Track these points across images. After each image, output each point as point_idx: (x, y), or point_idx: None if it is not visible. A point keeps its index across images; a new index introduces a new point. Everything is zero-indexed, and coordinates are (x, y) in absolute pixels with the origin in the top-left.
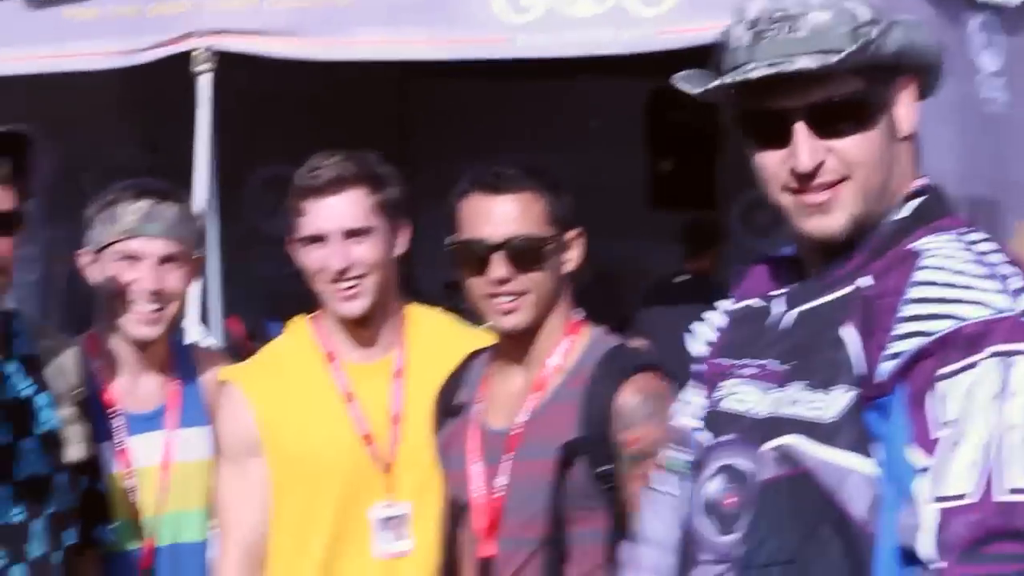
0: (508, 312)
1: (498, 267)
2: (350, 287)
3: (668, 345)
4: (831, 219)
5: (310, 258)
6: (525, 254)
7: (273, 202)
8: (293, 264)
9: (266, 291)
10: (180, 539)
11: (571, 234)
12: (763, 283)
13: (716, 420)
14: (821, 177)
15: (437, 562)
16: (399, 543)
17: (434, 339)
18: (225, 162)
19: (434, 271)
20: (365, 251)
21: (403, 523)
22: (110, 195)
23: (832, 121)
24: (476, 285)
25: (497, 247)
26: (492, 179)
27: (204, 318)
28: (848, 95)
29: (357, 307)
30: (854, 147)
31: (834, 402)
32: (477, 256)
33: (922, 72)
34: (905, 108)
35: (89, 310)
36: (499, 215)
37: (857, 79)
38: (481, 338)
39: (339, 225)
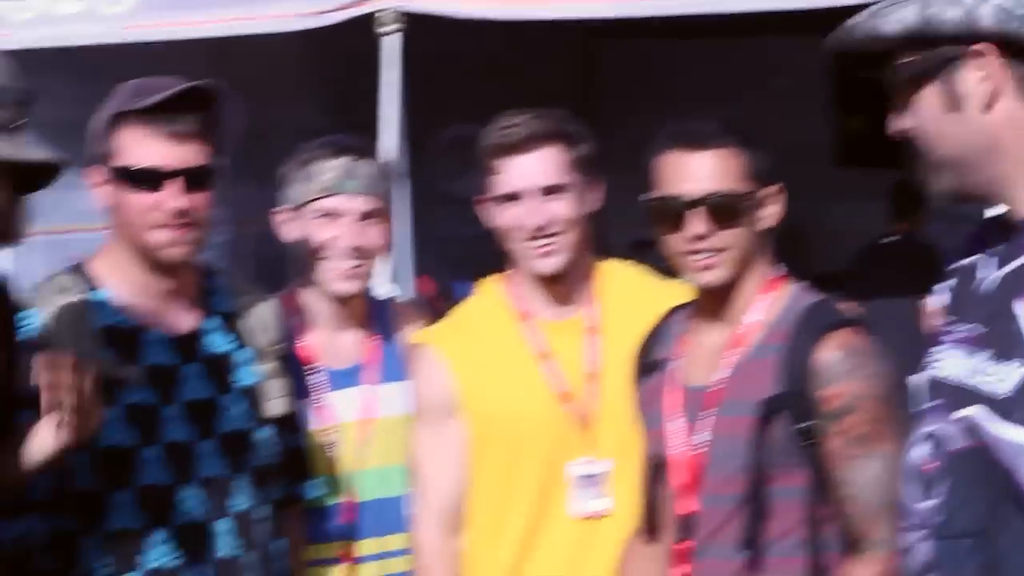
0: (706, 268)
1: (696, 223)
2: (546, 244)
3: (882, 305)
4: None
5: (505, 216)
6: (723, 210)
7: (458, 163)
8: (477, 225)
9: (450, 252)
10: (381, 494)
11: (770, 190)
12: (977, 244)
13: (930, 384)
14: None
15: (636, 520)
16: (597, 502)
17: (628, 294)
18: (409, 123)
19: (621, 231)
20: (561, 208)
21: (602, 481)
22: (306, 153)
23: None
24: (673, 242)
25: (695, 203)
26: (690, 134)
27: (394, 278)
28: None
29: (552, 264)
30: None
31: (1009, 376)
32: (675, 212)
33: None
34: None
35: (278, 272)
36: (698, 171)
37: None
38: (676, 291)
39: (535, 182)
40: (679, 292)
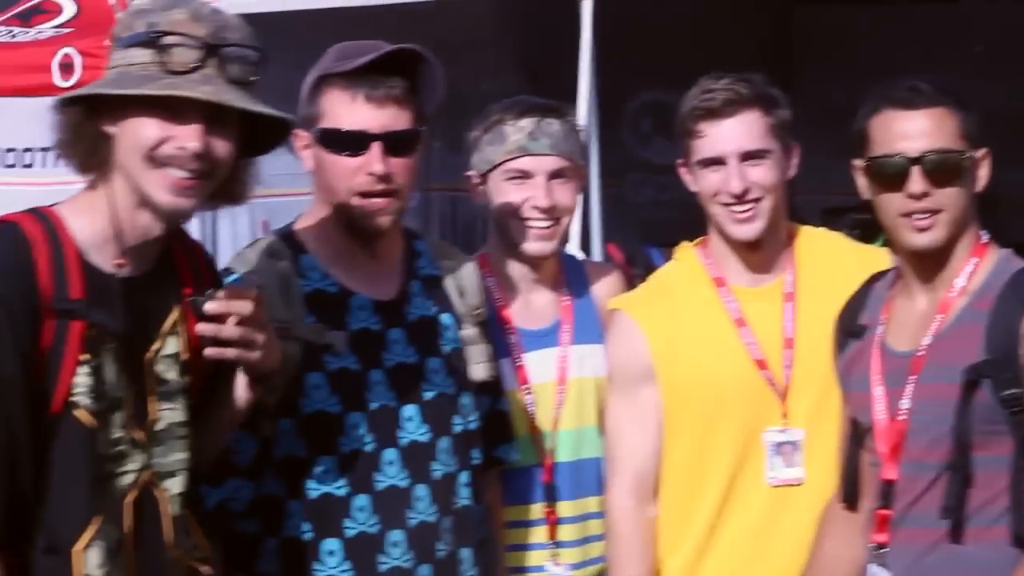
0: (923, 230)
1: (916, 182)
2: (746, 210)
3: None
4: None
5: (706, 181)
6: (942, 169)
7: (649, 129)
8: (667, 191)
9: (639, 218)
10: (578, 455)
11: (980, 152)
12: None
13: None
14: None
15: (835, 486)
16: (791, 470)
17: (826, 260)
18: (603, 88)
19: (811, 198)
20: (762, 173)
21: (796, 449)
22: (494, 115)
23: None
24: (890, 202)
25: (914, 161)
26: (907, 95)
27: (584, 245)
28: None
29: (752, 230)
30: None
31: None
32: (893, 172)
33: None
34: None
35: (469, 236)
36: (916, 130)
37: None
38: (874, 257)
39: (737, 147)
40: (877, 258)
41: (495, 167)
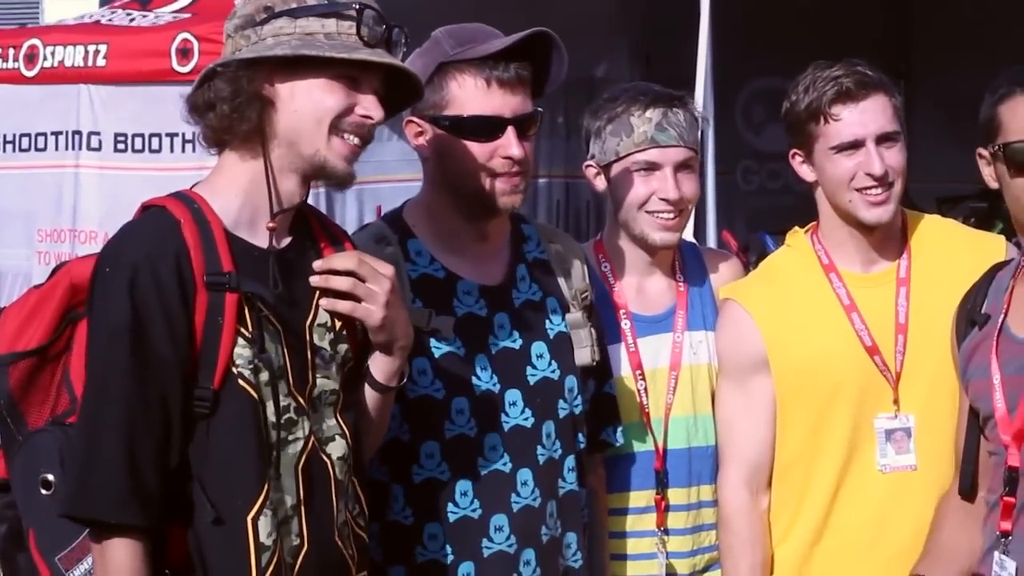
0: None
1: None
2: (881, 193)
3: None
4: None
5: (839, 167)
6: None
7: (761, 116)
8: (775, 179)
9: (747, 206)
10: (691, 443)
11: None
12: None
13: None
14: None
15: (953, 477)
16: (903, 457)
17: (940, 246)
18: (716, 75)
19: (925, 186)
20: (895, 156)
21: (908, 436)
22: (618, 105)
23: None
24: (1013, 188)
25: None
26: None
27: (698, 232)
28: None
29: (884, 213)
30: None
31: None
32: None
33: None
34: None
35: (578, 222)
36: None
37: None
38: (990, 243)
39: (875, 129)
40: (992, 245)
41: (620, 158)
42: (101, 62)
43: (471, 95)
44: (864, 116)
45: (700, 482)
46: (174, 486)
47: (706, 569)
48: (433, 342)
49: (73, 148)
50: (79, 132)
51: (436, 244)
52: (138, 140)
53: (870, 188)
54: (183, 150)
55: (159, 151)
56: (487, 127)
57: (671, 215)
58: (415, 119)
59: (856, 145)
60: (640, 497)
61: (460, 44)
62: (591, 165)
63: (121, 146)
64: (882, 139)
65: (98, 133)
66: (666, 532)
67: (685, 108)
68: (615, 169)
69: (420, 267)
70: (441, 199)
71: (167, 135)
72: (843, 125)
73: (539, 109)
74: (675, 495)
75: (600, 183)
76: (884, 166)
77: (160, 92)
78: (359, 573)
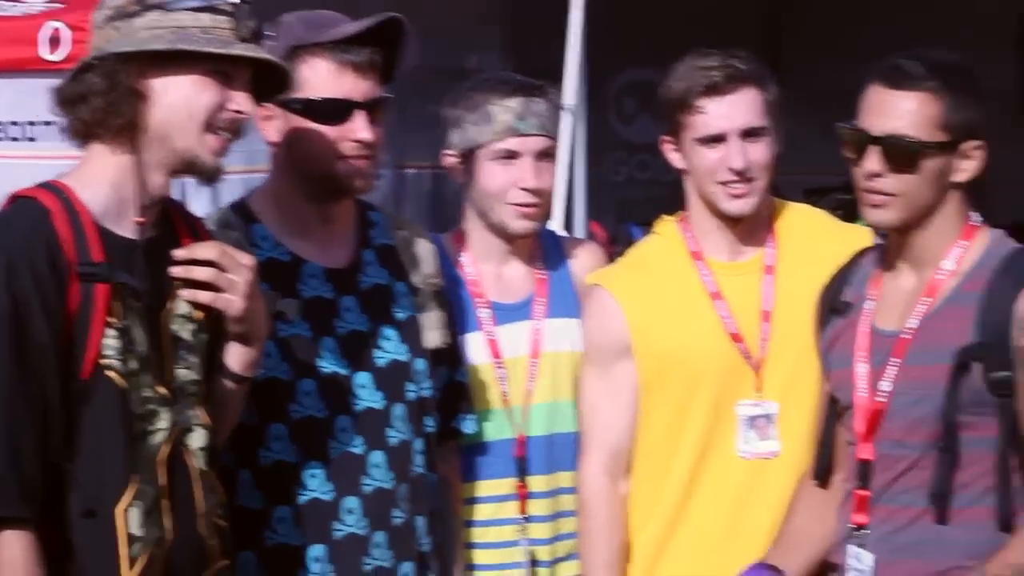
0: (875, 207)
1: (871, 161)
2: (742, 187)
3: None
4: None
5: (703, 158)
6: (900, 155)
7: (633, 108)
8: (644, 170)
9: (616, 197)
10: (552, 430)
11: (968, 145)
12: None
13: None
14: None
15: (810, 463)
16: (765, 443)
17: (807, 236)
18: (588, 66)
19: (793, 177)
20: (760, 151)
21: (770, 423)
22: (478, 94)
23: None
24: (855, 173)
25: (874, 141)
26: (894, 72)
27: (567, 223)
28: None
29: (745, 206)
30: None
31: None
32: (856, 146)
33: None
34: None
35: (449, 211)
36: (887, 110)
37: None
38: (856, 234)
39: (740, 124)
40: (858, 235)
41: (480, 147)
42: None
43: (322, 78)
44: (730, 110)
45: (560, 469)
46: (55, 477)
47: (567, 556)
48: (279, 325)
49: None
50: None
51: (281, 228)
52: (14, 129)
53: (732, 182)
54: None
55: (34, 140)
56: (337, 110)
57: (531, 204)
58: (264, 103)
59: (720, 138)
60: (501, 485)
61: (311, 28)
62: (450, 154)
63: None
64: (747, 134)
65: None
66: (527, 519)
67: (545, 97)
68: (475, 158)
69: (265, 251)
70: (288, 183)
71: (44, 123)
72: (709, 118)
73: (389, 95)
74: (536, 482)
75: (459, 172)
76: (746, 161)
77: (36, 80)
78: (222, 561)
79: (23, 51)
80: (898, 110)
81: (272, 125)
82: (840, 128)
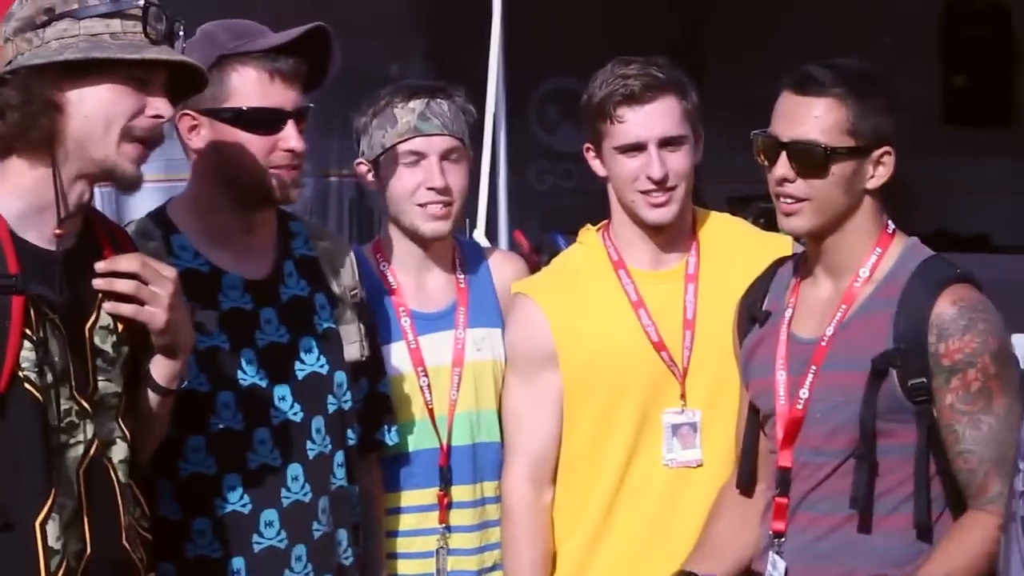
0: (788, 214)
1: (781, 167)
2: (661, 196)
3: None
4: None
5: (623, 167)
6: (808, 160)
7: (555, 116)
8: (569, 179)
9: (541, 206)
10: (476, 439)
11: (878, 152)
12: None
13: None
14: None
15: (732, 471)
16: (689, 452)
17: (729, 244)
18: (509, 75)
19: (716, 186)
20: (679, 160)
21: (694, 431)
22: (381, 100)
23: None
24: (769, 180)
25: (783, 146)
26: (803, 78)
27: (489, 232)
28: None
29: (665, 215)
30: None
31: None
32: (768, 152)
33: None
34: None
35: (369, 221)
36: (795, 116)
37: None
38: (777, 243)
39: (657, 133)
40: (780, 244)
41: (386, 151)
42: None
43: (253, 88)
44: (647, 119)
45: (485, 478)
46: None
47: (495, 566)
48: (198, 336)
49: None
50: None
51: (201, 239)
52: None
53: (651, 191)
54: None
55: None
56: (269, 120)
57: (439, 205)
58: (190, 112)
59: (638, 147)
60: (425, 495)
61: (237, 38)
62: (361, 162)
63: None
64: (665, 143)
65: None
66: (448, 529)
67: (449, 98)
68: (382, 163)
69: (184, 262)
70: (210, 192)
71: None
72: (627, 126)
73: (311, 104)
74: (460, 492)
75: (371, 180)
76: (665, 169)
77: None
78: (148, 574)
79: None
80: (806, 116)
81: (197, 134)
82: (753, 135)
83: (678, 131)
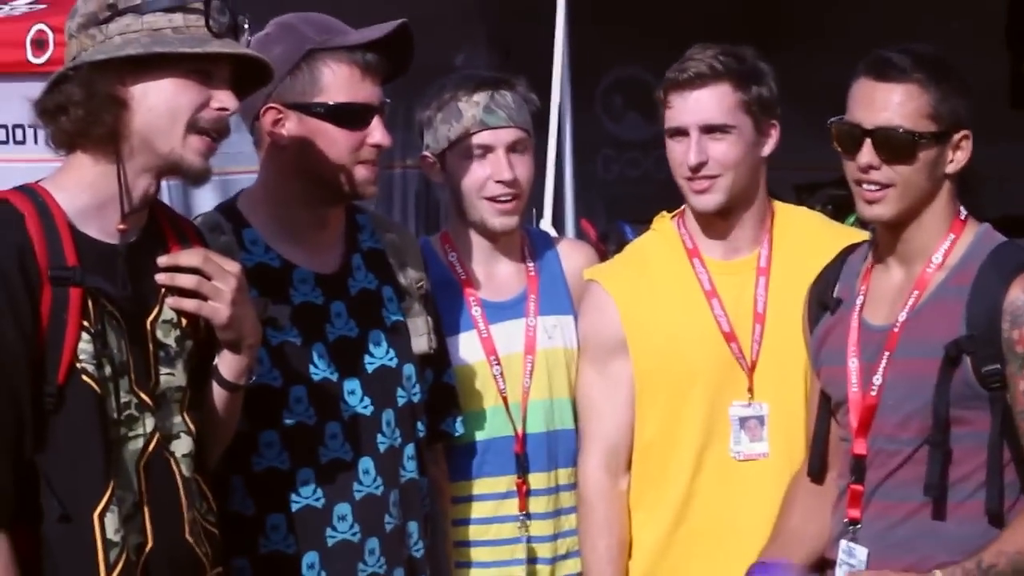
0: (871, 202)
1: (865, 154)
2: (703, 183)
3: None
4: None
5: (672, 152)
6: (894, 146)
7: (621, 105)
8: (635, 167)
9: (607, 195)
10: (550, 427)
11: (957, 136)
12: None
13: None
14: None
15: (803, 462)
16: (756, 445)
17: (801, 237)
18: (575, 64)
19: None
20: (723, 149)
21: (761, 424)
22: (445, 93)
23: None
24: (849, 168)
25: (867, 133)
26: (881, 64)
27: (556, 221)
28: None
29: (708, 202)
30: None
31: None
32: (849, 140)
33: None
34: None
35: (436, 213)
36: (877, 102)
37: None
38: (850, 236)
39: (697, 119)
40: (851, 238)
41: (452, 144)
42: None
43: (344, 83)
44: (692, 105)
45: (559, 466)
46: (20, 483)
47: (568, 554)
48: (270, 331)
49: None
50: None
51: (272, 233)
52: (0, 131)
53: (692, 178)
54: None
55: (23, 142)
56: (359, 115)
57: (507, 198)
58: (276, 105)
59: (681, 132)
60: (501, 482)
61: (321, 32)
62: (426, 156)
63: None
64: (708, 129)
65: None
66: (528, 516)
67: (513, 90)
68: (449, 157)
69: (255, 256)
70: (285, 187)
71: (29, 126)
72: (673, 112)
73: (387, 99)
74: (536, 479)
75: (437, 173)
76: (702, 157)
77: (19, 84)
78: (214, 570)
79: (11, 54)
80: (888, 102)
81: (282, 127)
82: (832, 124)
83: (723, 120)
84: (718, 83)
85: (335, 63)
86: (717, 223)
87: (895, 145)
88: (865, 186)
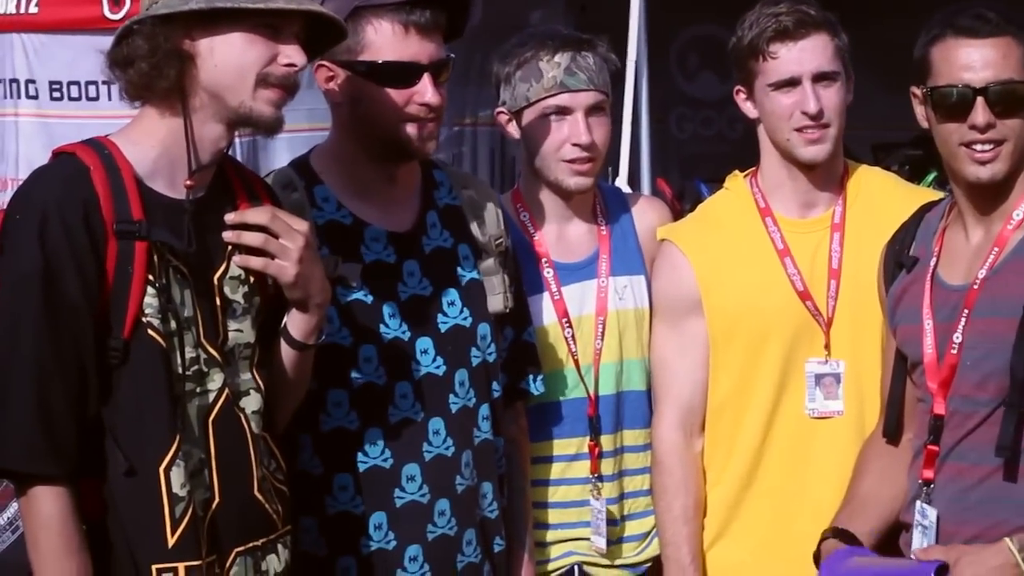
0: (985, 162)
1: (980, 113)
2: (817, 131)
3: None
4: None
5: (777, 103)
6: (1007, 101)
7: (696, 64)
8: (709, 126)
9: (681, 153)
10: (622, 388)
11: None
12: None
13: None
14: None
15: (878, 422)
16: (831, 402)
17: (876, 196)
18: (650, 22)
19: (859, 132)
20: (833, 96)
21: (837, 381)
22: (527, 50)
23: None
24: (952, 132)
25: (979, 92)
26: (972, 22)
27: (631, 180)
28: None
29: (820, 152)
30: None
31: None
32: (956, 102)
33: None
34: None
35: (512, 170)
36: (980, 60)
37: None
38: (925, 195)
39: (812, 68)
40: (926, 196)
41: (531, 104)
42: (33, 9)
43: (388, 41)
44: (801, 54)
45: (623, 427)
46: (86, 437)
47: (631, 515)
48: (340, 289)
49: (11, 97)
50: (16, 80)
51: (344, 190)
52: (74, 88)
53: (807, 127)
54: (121, 97)
55: (97, 99)
56: (404, 73)
57: (584, 160)
58: (326, 63)
59: (792, 83)
60: (570, 444)
61: None
62: (502, 112)
63: (56, 94)
64: (819, 78)
65: (34, 81)
66: (600, 479)
67: (594, 51)
68: (526, 116)
69: (327, 213)
70: (351, 144)
71: (103, 83)
72: (780, 63)
73: (451, 55)
74: (604, 441)
75: (513, 130)
76: (820, 105)
77: (95, 40)
78: (284, 527)
79: (88, 10)
80: (990, 58)
81: (335, 85)
82: (939, 92)
83: (832, 67)
84: (819, 31)
85: (378, 20)
86: (804, 176)
87: (1011, 99)
88: (978, 147)
